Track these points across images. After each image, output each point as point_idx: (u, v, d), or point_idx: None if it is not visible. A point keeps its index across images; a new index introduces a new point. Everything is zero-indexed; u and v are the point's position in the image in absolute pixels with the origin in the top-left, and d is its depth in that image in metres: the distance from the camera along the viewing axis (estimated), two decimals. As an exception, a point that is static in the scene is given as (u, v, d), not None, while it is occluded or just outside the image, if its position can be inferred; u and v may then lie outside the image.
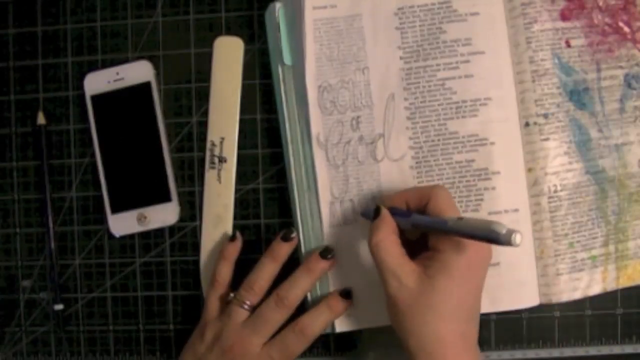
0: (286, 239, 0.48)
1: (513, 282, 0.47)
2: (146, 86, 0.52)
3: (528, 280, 0.48)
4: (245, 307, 0.47)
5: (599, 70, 0.48)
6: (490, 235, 0.36)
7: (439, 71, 0.48)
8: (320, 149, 0.48)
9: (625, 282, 0.49)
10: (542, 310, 0.50)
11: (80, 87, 0.53)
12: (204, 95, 0.53)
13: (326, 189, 0.49)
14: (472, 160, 0.47)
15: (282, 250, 0.48)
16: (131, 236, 0.53)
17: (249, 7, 0.53)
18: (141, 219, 0.52)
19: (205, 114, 0.53)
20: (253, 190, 0.52)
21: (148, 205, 0.52)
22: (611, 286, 0.48)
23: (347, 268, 0.48)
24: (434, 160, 0.48)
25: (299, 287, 0.47)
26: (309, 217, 0.49)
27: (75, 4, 0.54)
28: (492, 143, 0.47)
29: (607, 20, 0.48)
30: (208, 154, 0.52)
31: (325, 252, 0.47)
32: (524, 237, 0.47)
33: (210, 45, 0.53)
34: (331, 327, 0.48)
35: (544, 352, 0.51)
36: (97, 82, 0.53)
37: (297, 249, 0.49)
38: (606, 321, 0.51)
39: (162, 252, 0.53)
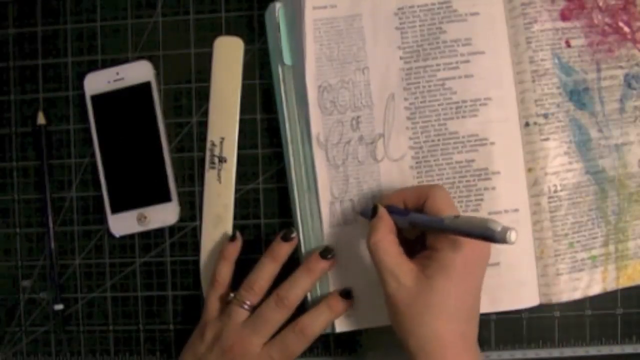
0: (286, 239, 0.48)
1: (513, 282, 0.47)
2: (146, 86, 0.52)
3: (528, 280, 0.48)
4: (245, 307, 0.47)
5: (599, 70, 0.48)
6: (486, 233, 0.36)
7: (439, 71, 0.48)
8: (320, 149, 0.48)
9: (625, 282, 0.49)
10: (542, 310, 0.50)
11: (80, 87, 0.53)
12: (204, 95, 0.53)
13: (326, 189, 0.49)
14: (472, 160, 0.47)
15: (282, 250, 0.48)
16: (131, 236, 0.53)
17: (249, 7, 0.53)
18: (141, 219, 0.52)
19: (205, 114, 0.53)
20: (253, 190, 0.52)
21: (148, 205, 0.52)
22: (611, 286, 0.48)
23: (347, 268, 0.48)
24: (434, 160, 0.48)
25: (299, 287, 0.47)
26: (309, 217, 0.49)
27: (75, 4, 0.54)
28: (492, 143, 0.47)
29: (607, 20, 0.48)
30: (208, 154, 0.52)
31: (325, 252, 0.47)
32: (524, 237, 0.47)
33: (210, 45, 0.53)
34: (331, 327, 0.48)
35: (544, 352, 0.51)
36: (97, 82, 0.53)
37: (297, 249, 0.49)
38: (606, 321, 0.51)
39: (162, 252, 0.53)
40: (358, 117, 0.48)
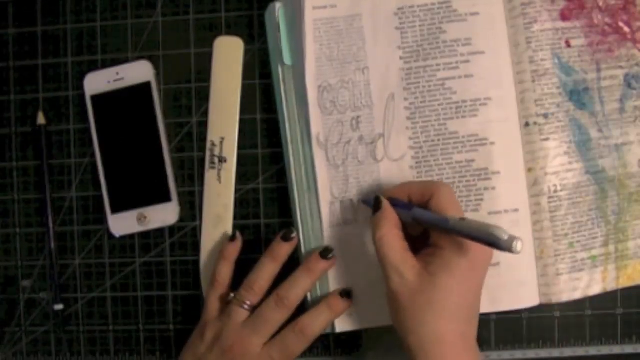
0: (286, 239, 0.48)
1: (513, 282, 0.47)
2: (146, 86, 0.52)
3: (528, 280, 0.48)
4: (245, 307, 0.47)
5: (599, 70, 0.48)
6: (491, 240, 0.36)
7: (439, 71, 0.48)
8: (320, 149, 0.48)
9: (625, 282, 0.49)
10: (542, 310, 0.50)
11: (80, 87, 0.53)
12: (204, 95, 0.53)
13: (326, 189, 0.49)
14: (472, 160, 0.47)
15: (282, 250, 0.48)
16: (131, 236, 0.53)
17: (249, 7, 0.53)
18: (141, 219, 0.52)
19: (205, 114, 0.53)
20: (253, 190, 0.52)
21: (148, 205, 0.52)
22: (611, 286, 0.48)
23: (347, 268, 0.48)
24: (434, 160, 0.48)
25: (299, 287, 0.47)
26: (309, 217, 0.49)
27: (75, 4, 0.54)
28: (492, 143, 0.47)
29: (607, 20, 0.48)
30: (208, 154, 0.52)
31: (325, 252, 0.47)
32: (524, 237, 0.47)
33: (210, 45, 0.53)
34: (331, 327, 0.48)
35: (544, 352, 0.51)
36: (97, 82, 0.53)
37: (297, 249, 0.49)
38: (606, 321, 0.51)
39: (162, 252, 0.53)
40: (358, 117, 0.48)
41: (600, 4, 0.48)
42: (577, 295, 0.48)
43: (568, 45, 0.48)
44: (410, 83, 0.48)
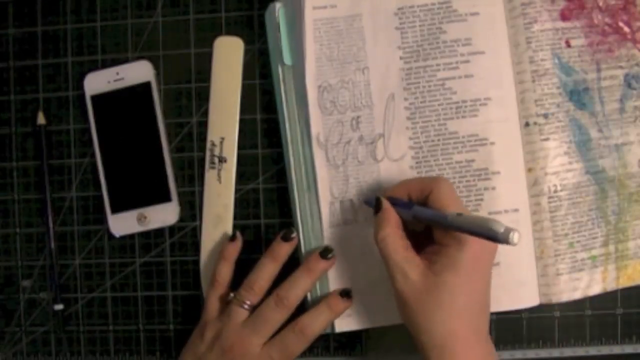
0: (286, 239, 0.48)
1: (513, 282, 0.47)
2: (146, 86, 0.52)
3: (528, 280, 0.48)
4: (245, 307, 0.47)
5: (599, 70, 0.48)
6: (488, 233, 0.36)
7: (439, 71, 0.48)
8: (320, 149, 0.48)
9: (625, 282, 0.49)
10: (542, 310, 0.50)
11: (80, 87, 0.53)
12: (204, 95, 0.53)
13: (326, 189, 0.49)
14: (472, 160, 0.47)
15: (282, 250, 0.48)
16: (131, 236, 0.53)
17: (249, 7, 0.53)
18: (141, 219, 0.52)
19: (205, 114, 0.53)
20: (253, 190, 0.52)
21: (148, 205, 0.52)
22: (611, 286, 0.48)
23: (347, 268, 0.48)
24: (434, 160, 0.48)
25: (299, 287, 0.47)
26: (309, 217, 0.49)
27: (75, 4, 0.54)
28: (492, 143, 0.47)
29: (607, 20, 0.48)
30: (208, 154, 0.52)
31: (325, 252, 0.47)
32: (524, 237, 0.47)
33: (210, 45, 0.53)
34: (331, 327, 0.48)
35: (544, 352, 0.51)
36: (97, 82, 0.53)
37: (297, 249, 0.49)
38: (606, 321, 0.51)
39: (162, 252, 0.53)
40: (358, 117, 0.48)
41: (600, 4, 0.48)
42: (577, 295, 0.48)
43: (568, 45, 0.48)
44: (410, 83, 0.48)
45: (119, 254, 0.54)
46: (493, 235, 0.36)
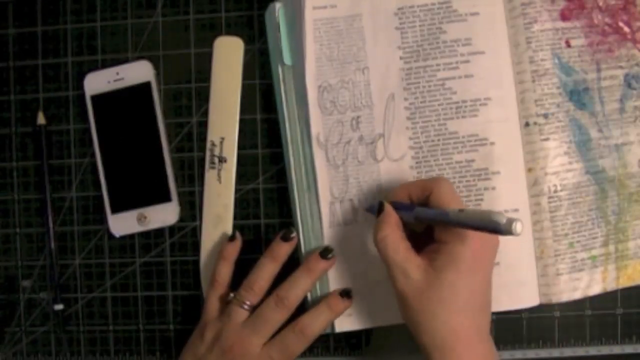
0: (286, 239, 0.48)
1: (513, 282, 0.47)
2: (146, 86, 0.52)
3: (528, 280, 0.48)
4: (245, 307, 0.47)
5: (599, 70, 0.48)
6: (491, 226, 0.36)
7: (439, 71, 0.48)
8: (320, 149, 0.48)
9: (625, 282, 0.49)
10: (542, 310, 0.50)
11: (80, 87, 0.53)
12: (204, 95, 0.53)
13: (326, 189, 0.49)
14: (472, 160, 0.47)
15: (282, 250, 0.48)
16: (131, 236, 0.53)
17: (249, 7, 0.53)
18: (141, 219, 0.52)
19: (205, 114, 0.53)
20: (253, 190, 0.52)
21: (148, 205, 0.52)
22: (611, 286, 0.48)
23: (347, 268, 0.48)
24: (434, 160, 0.48)
25: (299, 287, 0.47)
26: (309, 217, 0.49)
27: (75, 4, 0.54)
28: (492, 143, 0.47)
29: (607, 20, 0.48)
30: (208, 154, 0.52)
31: (325, 252, 0.47)
32: (524, 237, 0.47)
33: (210, 45, 0.53)
34: (331, 327, 0.48)
35: (544, 352, 0.51)
36: (97, 82, 0.53)
37: (297, 249, 0.49)
38: (606, 321, 0.51)
39: (162, 252, 0.53)
40: (358, 117, 0.48)
41: (600, 4, 0.48)
42: (577, 295, 0.48)
43: (568, 45, 0.48)
44: (410, 83, 0.48)
45: (119, 254, 0.54)
46: (496, 227, 0.36)
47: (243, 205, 0.52)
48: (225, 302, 0.48)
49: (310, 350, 0.51)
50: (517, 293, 0.47)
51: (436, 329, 0.39)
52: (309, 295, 0.49)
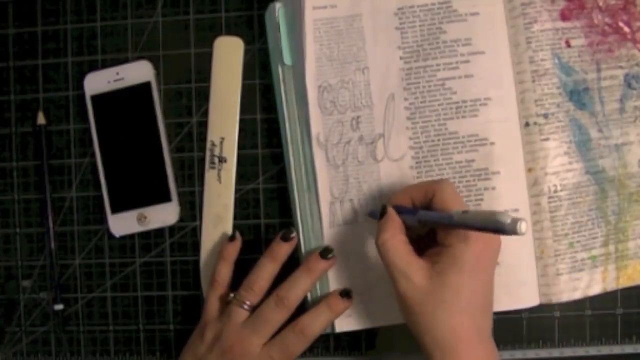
0: (286, 239, 0.48)
1: (513, 282, 0.47)
2: (146, 86, 0.52)
3: (528, 280, 0.48)
4: (245, 307, 0.47)
5: (599, 70, 0.48)
6: (496, 226, 0.36)
7: (439, 71, 0.48)
8: (320, 149, 0.48)
9: (625, 282, 0.49)
10: (542, 310, 0.50)
11: (80, 87, 0.53)
12: (204, 95, 0.53)
13: (326, 189, 0.49)
14: (472, 160, 0.47)
15: (281, 250, 0.48)
16: (131, 236, 0.53)
17: (249, 7, 0.53)
18: (141, 219, 0.52)
19: (205, 114, 0.53)
20: (253, 190, 0.52)
21: (148, 205, 0.52)
22: (611, 286, 0.48)
23: (347, 268, 0.48)
24: (434, 160, 0.48)
25: (299, 287, 0.47)
26: (309, 217, 0.49)
27: (75, 4, 0.54)
28: (492, 143, 0.47)
29: (607, 20, 0.48)
30: (208, 154, 0.52)
31: (325, 252, 0.47)
32: (524, 237, 0.47)
33: (210, 45, 0.53)
34: (331, 327, 0.48)
35: (544, 352, 0.51)
36: (97, 82, 0.53)
37: (297, 249, 0.49)
38: (606, 321, 0.51)
39: (162, 252, 0.53)
40: (358, 117, 0.48)
41: (600, 4, 0.48)
42: (577, 295, 0.48)
43: (568, 45, 0.48)
44: (410, 83, 0.48)
45: (119, 254, 0.54)
46: (501, 227, 0.36)
47: (243, 205, 0.52)
48: (225, 302, 0.48)
49: (310, 350, 0.51)
50: (517, 293, 0.47)
51: (437, 329, 0.39)
52: (309, 295, 0.49)
